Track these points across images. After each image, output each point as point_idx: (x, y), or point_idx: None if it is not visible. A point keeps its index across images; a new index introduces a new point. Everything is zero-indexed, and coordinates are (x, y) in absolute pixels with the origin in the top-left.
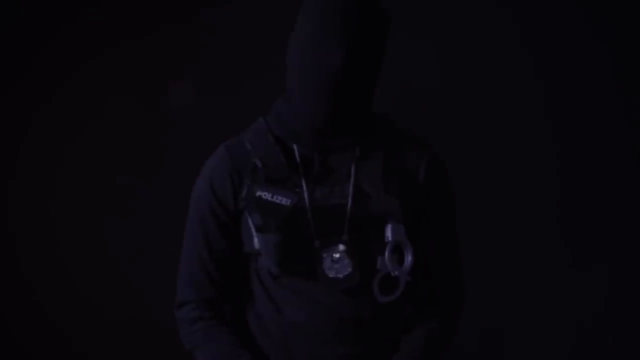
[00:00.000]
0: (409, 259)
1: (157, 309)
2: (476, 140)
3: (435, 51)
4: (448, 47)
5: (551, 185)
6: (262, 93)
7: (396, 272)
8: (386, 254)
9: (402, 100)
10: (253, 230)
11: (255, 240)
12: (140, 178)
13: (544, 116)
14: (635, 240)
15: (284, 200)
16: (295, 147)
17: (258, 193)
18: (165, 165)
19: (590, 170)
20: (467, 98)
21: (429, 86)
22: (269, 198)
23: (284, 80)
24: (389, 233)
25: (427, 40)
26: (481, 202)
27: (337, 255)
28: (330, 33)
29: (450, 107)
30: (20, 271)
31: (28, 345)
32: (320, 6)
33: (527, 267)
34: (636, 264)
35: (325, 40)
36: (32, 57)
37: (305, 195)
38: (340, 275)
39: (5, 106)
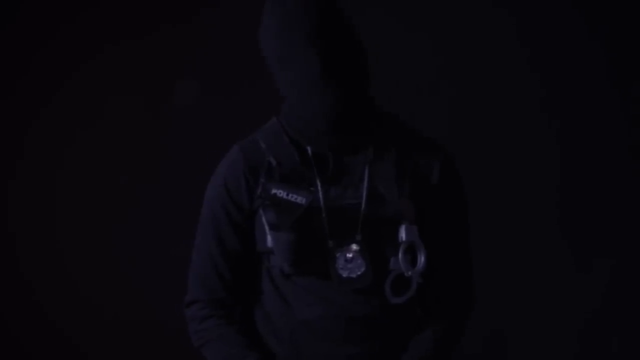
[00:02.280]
0: (422, 260)
1: (158, 310)
2: (474, 140)
3: (435, 51)
4: (448, 47)
5: (551, 185)
6: (263, 94)
7: (409, 273)
8: (400, 254)
9: (403, 100)
10: (267, 228)
11: (269, 239)
12: (141, 179)
13: (543, 116)
14: (637, 238)
15: (299, 199)
16: (308, 147)
17: (273, 191)
18: (166, 166)
19: (590, 170)
20: (466, 97)
21: (429, 86)
22: (284, 196)
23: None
24: (402, 233)
25: (428, 41)
26: (480, 202)
27: (350, 255)
28: (296, 44)
29: (447, 106)
30: (21, 271)
31: (29, 346)
32: (278, 24)
33: (528, 268)
34: (638, 263)
35: (295, 42)
36: (32, 57)
37: (320, 194)
38: (353, 275)
39: (6, 106)
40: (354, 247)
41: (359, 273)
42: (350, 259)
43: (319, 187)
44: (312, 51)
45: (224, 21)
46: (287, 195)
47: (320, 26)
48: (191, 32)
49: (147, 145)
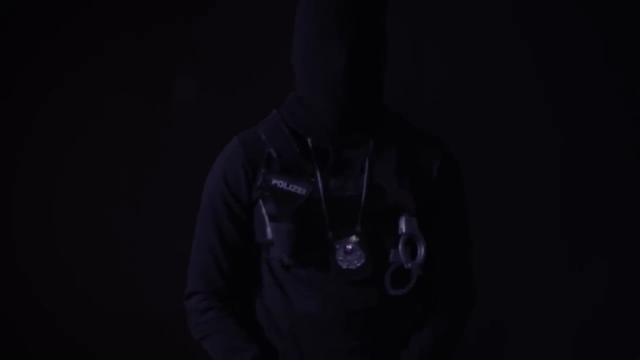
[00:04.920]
0: (421, 252)
1: (158, 308)
2: (477, 140)
3: (438, 51)
4: (450, 47)
5: (551, 184)
6: (263, 91)
7: (409, 265)
8: (399, 246)
9: (404, 100)
10: (266, 219)
11: (268, 230)
12: (141, 176)
13: (546, 116)
14: (635, 238)
15: (299, 190)
16: (309, 139)
17: (274, 181)
18: (166, 164)
19: (591, 169)
20: (469, 98)
21: (430, 86)
22: (285, 187)
23: (292, 79)
24: (402, 225)
25: (429, 39)
26: (482, 200)
27: (350, 247)
28: (328, 33)
29: (450, 106)
30: (21, 271)
31: (31, 345)
32: (314, 6)
33: (527, 265)
34: (637, 263)
35: (325, 42)
36: (31, 56)
37: (320, 186)
38: (353, 267)
39: (4, 106)
40: (354, 238)
41: (358, 265)
42: (349, 250)
43: (319, 178)
44: (341, 49)
45: (225, 19)
46: (288, 185)
47: (356, 25)
48: (191, 31)
49: (147, 143)
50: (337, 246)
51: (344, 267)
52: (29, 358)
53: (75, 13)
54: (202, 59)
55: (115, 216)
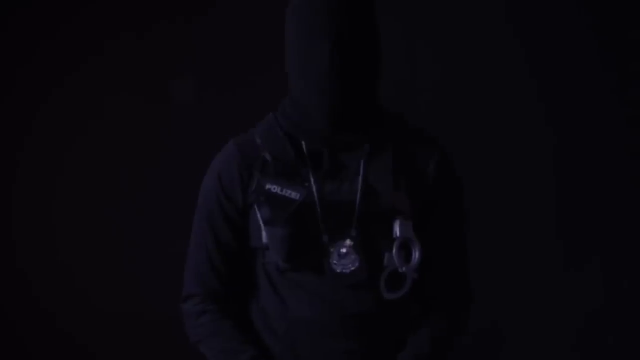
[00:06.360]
0: (416, 255)
1: (158, 308)
2: (472, 141)
3: (431, 51)
4: (443, 46)
5: (546, 183)
6: (263, 91)
7: (403, 269)
8: (394, 250)
9: (397, 99)
10: (261, 224)
11: (263, 234)
12: (141, 176)
13: (539, 117)
14: (630, 238)
15: (293, 194)
16: (303, 142)
17: (267, 186)
18: (166, 164)
19: (584, 169)
20: (463, 98)
21: (423, 86)
22: (279, 191)
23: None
24: (397, 229)
25: (422, 39)
26: (476, 201)
27: (345, 251)
28: (315, 32)
29: (442, 105)
30: (21, 271)
31: (31, 346)
32: (303, 6)
33: (522, 265)
34: (632, 262)
35: (312, 41)
36: (31, 56)
37: (314, 189)
38: (347, 271)
39: (4, 106)
40: (348, 242)
41: (352, 268)
42: (344, 254)
43: (313, 182)
44: (327, 45)
45: (224, 21)
46: (282, 190)
47: (342, 23)
48: (191, 31)
49: (146, 143)
50: (332, 250)
51: (338, 270)
52: (29, 358)
53: (75, 13)
54: (202, 59)
55: (115, 216)
